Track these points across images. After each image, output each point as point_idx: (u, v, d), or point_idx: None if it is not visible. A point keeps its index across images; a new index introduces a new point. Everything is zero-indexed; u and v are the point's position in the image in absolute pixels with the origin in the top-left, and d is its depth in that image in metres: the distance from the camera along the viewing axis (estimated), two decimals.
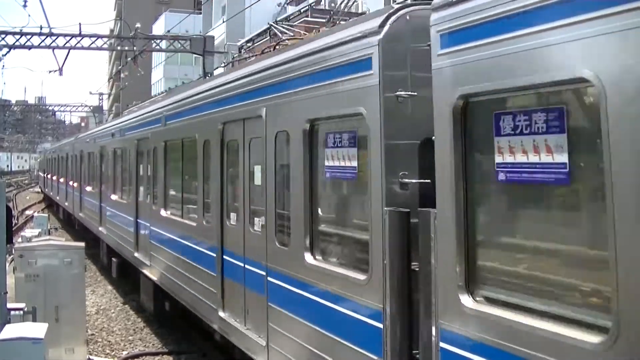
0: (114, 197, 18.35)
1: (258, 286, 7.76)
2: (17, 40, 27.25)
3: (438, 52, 4.66)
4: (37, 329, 7.54)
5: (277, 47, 9.50)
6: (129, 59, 30.62)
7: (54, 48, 27.97)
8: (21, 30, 27.34)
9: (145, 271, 13.80)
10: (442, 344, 4.62)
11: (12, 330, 7.49)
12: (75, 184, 28.04)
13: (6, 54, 27.50)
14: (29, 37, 27.32)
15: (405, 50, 5.34)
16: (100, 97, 73.05)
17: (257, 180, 7.93)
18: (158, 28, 63.00)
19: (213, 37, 33.32)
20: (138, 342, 13.07)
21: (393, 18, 5.40)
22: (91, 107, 70.89)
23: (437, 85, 4.66)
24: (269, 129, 7.48)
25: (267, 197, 7.53)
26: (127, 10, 74.76)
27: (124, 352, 12.42)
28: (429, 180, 4.95)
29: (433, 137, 4.71)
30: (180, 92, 12.59)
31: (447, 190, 4.52)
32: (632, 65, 3.23)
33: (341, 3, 13.60)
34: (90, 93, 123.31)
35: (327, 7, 40.44)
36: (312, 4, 38.41)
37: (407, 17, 5.41)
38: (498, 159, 4.20)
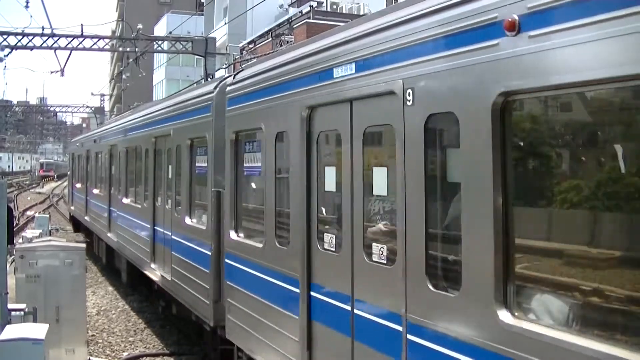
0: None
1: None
2: (19, 40, 27.32)
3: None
4: (37, 330, 7.54)
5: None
6: (131, 60, 30.65)
7: (55, 49, 28.04)
8: (23, 31, 27.44)
9: None
10: None
11: (13, 331, 7.50)
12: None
13: (8, 54, 27.62)
14: (30, 37, 27.38)
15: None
16: (102, 98, 73.28)
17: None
18: (160, 29, 63.00)
19: (215, 38, 33.36)
20: (139, 343, 13.08)
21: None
22: (93, 108, 70.97)
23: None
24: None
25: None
26: (129, 12, 74.84)
27: (125, 353, 12.42)
28: None
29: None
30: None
31: None
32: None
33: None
34: (92, 94, 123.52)
35: (329, 9, 40.51)
36: (313, 7, 38.38)
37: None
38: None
